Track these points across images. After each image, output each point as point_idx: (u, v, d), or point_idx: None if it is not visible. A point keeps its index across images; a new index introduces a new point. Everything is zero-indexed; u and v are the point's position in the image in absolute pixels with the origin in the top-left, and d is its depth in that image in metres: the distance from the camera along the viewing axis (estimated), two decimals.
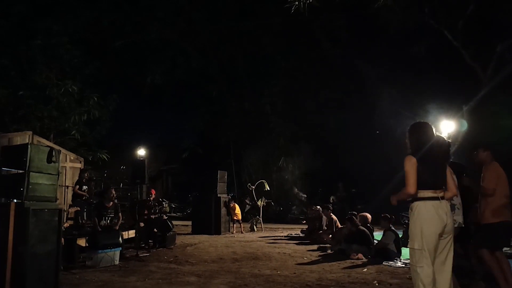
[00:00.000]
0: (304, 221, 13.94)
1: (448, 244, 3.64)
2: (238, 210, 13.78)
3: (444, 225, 3.55)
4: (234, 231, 13.39)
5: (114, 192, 8.63)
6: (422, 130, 3.80)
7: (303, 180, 22.28)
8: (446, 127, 11.92)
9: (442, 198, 3.62)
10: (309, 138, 20.97)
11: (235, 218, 13.53)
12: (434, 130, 3.84)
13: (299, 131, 20.95)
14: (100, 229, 7.91)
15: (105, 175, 15.77)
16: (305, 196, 20.36)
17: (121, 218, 8.55)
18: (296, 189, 20.98)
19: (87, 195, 10.45)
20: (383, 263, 7.20)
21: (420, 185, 3.60)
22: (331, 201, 16.97)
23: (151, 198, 10.92)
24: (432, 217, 3.55)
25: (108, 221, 8.25)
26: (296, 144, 21.07)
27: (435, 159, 3.69)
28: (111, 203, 8.40)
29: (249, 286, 5.56)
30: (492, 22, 13.41)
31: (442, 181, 3.69)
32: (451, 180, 3.77)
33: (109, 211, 8.25)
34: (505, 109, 12.46)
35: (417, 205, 3.63)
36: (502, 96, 12.85)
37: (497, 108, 12.71)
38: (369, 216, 9.27)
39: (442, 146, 3.90)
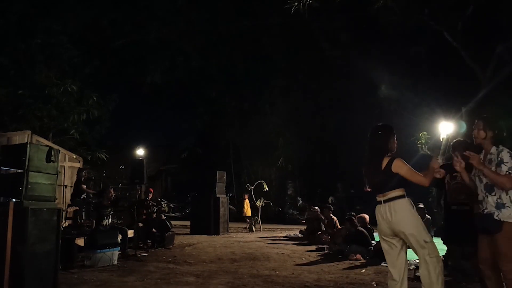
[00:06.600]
0: (304, 221, 14.00)
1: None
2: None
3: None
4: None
5: (113, 192, 8.67)
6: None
7: (302, 181, 22.30)
8: (445, 128, 11.93)
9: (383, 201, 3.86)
10: (308, 139, 21.00)
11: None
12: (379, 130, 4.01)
13: (298, 131, 20.97)
14: (102, 229, 7.88)
15: (104, 174, 15.72)
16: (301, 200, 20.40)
17: None
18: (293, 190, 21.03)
19: (93, 192, 10.47)
20: (382, 264, 7.18)
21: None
22: (330, 202, 16.99)
23: (149, 198, 10.89)
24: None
25: (109, 221, 8.25)
26: (295, 145, 21.10)
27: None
28: (109, 202, 8.41)
29: (248, 287, 5.56)
30: (492, 23, 13.39)
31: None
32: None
33: (108, 209, 8.27)
34: (505, 110, 12.44)
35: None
36: (502, 97, 12.84)
37: (496, 109, 12.68)
38: (367, 217, 9.27)
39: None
